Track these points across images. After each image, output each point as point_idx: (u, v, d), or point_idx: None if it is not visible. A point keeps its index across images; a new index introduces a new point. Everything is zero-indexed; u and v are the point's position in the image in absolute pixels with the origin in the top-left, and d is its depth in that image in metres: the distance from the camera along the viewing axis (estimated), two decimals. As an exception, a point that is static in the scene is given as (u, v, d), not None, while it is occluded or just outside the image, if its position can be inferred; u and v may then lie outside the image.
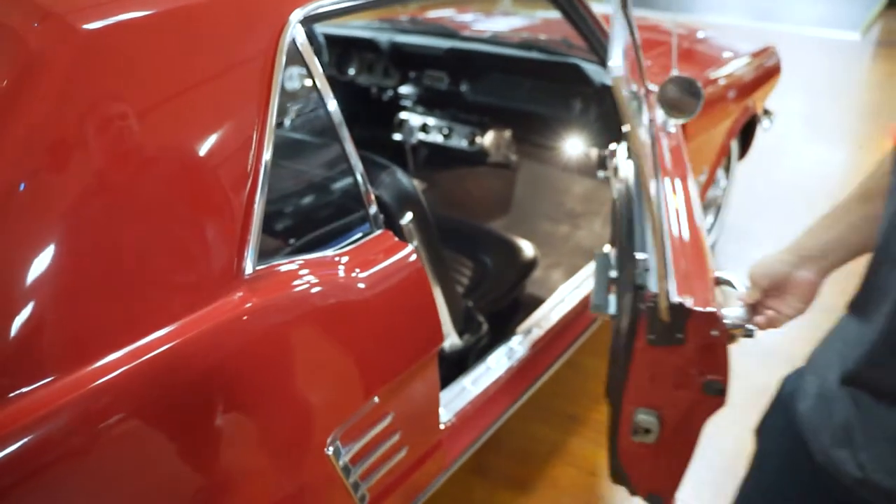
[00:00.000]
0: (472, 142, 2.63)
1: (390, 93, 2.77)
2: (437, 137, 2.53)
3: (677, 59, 2.68)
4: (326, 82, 1.29)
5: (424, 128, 2.63)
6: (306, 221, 1.39)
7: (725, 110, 2.67)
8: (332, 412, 1.22)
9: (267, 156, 1.13)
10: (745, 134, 3.24)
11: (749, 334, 1.21)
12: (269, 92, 1.15)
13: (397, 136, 2.58)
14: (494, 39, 2.68)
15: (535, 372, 1.99)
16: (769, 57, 3.20)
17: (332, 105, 1.29)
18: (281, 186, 1.30)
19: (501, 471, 2.16)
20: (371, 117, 2.80)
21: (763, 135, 3.34)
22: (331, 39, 2.80)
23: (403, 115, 2.73)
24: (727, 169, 3.28)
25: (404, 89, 2.75)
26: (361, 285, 1.23)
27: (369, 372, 1.27)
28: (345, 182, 1.32)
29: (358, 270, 1.24)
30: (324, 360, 1.18)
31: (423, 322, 1.36)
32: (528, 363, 1.93)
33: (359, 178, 1.32)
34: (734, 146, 3.19)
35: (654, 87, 2.30)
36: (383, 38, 2.69)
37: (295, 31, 1.22)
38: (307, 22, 1.24)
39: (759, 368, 2.54)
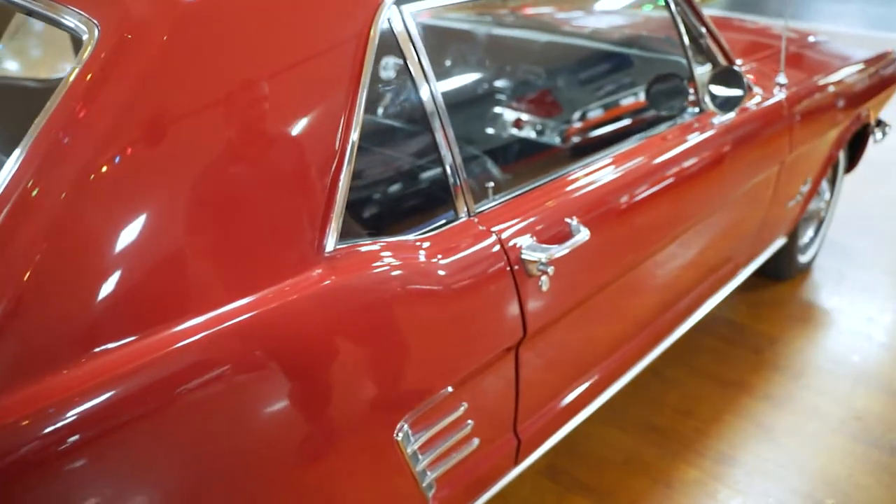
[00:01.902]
0: (565, 139, 2.59)
1: (486, 86, 2.76)
2: (530, 133, 2.50)
3: (785, 63, 2.58)
4: (425, 68, 1.28)
5: (518, 122, 2.60)
6: (391, 205, 1.39)
7: (833, 119, 2.53)
8: (403, 397, 1.21)
9: (354, 137, 1.13)
10: (855, 145, 3.08)
11: None
12: (359, 74, 1.15)
13: (490, 130, 2.57)
14: (594, 35, 2.63)
15: (615, 375, 1.94)
16: (887, 64, 3.02)
17: (426, 92, 1.28)
18: (370, 170, 1.30)
19: (573, 475, 2.11)
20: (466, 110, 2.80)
21: (874, 147, 3.16)
22: (428, 28, 2.80)
23: (498, 109, 2.71)
24: (832, 181, 3.11)
25: (499, 83, 2.73)
26: (442, 272, 1.21)
27: (444, 360, 1.25)
28: (433, 169, 1.31)
29: (440, 256, 1.23)
30: (398, 343, 1.17)
31: (503, 314, 1.34)
32: (609, 365, 1.87)
33: (447, 166, 1.30)
34: (841, 157, 3.03)
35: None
36: (481, 30, 2.68)
37: (390, 13, 1.22)
38: (402, 2, 1.24)
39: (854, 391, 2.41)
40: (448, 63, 2.78)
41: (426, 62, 1.27)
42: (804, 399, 2.40)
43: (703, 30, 1.98)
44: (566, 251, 1.36)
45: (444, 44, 2.80)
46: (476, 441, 1.41)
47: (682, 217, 1.81)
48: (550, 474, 2.11)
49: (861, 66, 2.82)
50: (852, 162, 3.16)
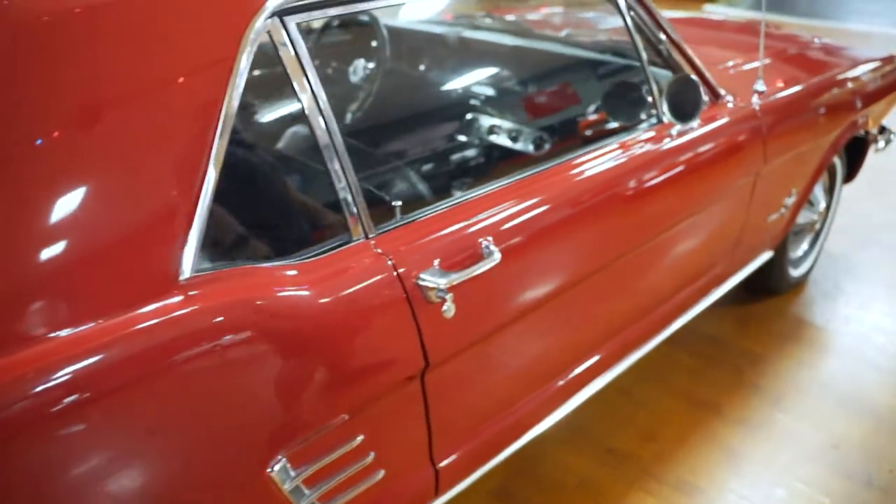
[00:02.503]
0: (539, 147, 2.49)
1: (459, 91, 2.67)
2: (504, 140, 2.41)
3: (779, 67, 2.45)
4: (311, 79, 1.20)
5: (492, 129, 2.50)
6: (273, 225, 1.31)
7: (822, 127, 2.39)
8: (275, 433, 1.13)
9: (217, 160, 1.07)
10: (854, 153, 2.93)
11: None
12: (223, 91, 1.08)
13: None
14: (568, 39, 2.53)
15: (565, 396, 1.85)
16: (891, 69, 2.86)
17: (311, 103, 1.20)
18: (247, 187, 1.23)
19: (524, 498, 2.03)
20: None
21: (877, 155, 3.01)
22: (398, 32, 2.73)
23: (470, 115, 2.62)
24: (830, 190, 2.97)
25: (474, 88, 2.64)
26: (321, 299, 1.14)
27: (324, 393, 1.17)
28: (324, 188, 1.23)
29: (320, 282, 1.15)
30: (262, 379, 1.09)
31: (397, 343, 1.26)
32: (555, 386, 1.78)
33: (338, 185, 1.22)
34: (838, 165, 2.88)
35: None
36: (452, 33, 2.59)
37: (268, 26, 1.14)
38: (285, 14, 1.16)
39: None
40: (422, 69, 2.70)
41: (312, 74, 1.19)
42: (781, 424, 2.27)
43: (662, 36, 1.87)
44: (470, 276, 1.28)
45: (419, 50, 2.72)
46: (381, 473, 1.34)
47: (629, 235, 1.71)
48: (501, 496, 2.02)
49: (861, 71, 2.67)
50: (852, 171, 3.00)
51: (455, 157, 2.09)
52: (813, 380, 2.47)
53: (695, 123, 1.85)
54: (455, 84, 2.53)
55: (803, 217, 2.78)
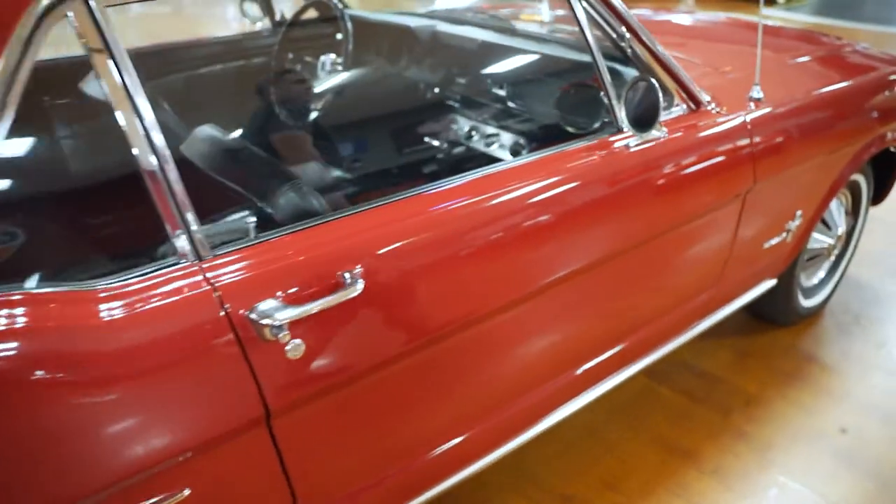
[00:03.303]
0: (516, 153, 2.25)
1: (436, 90, 2.44)
2: (478, 144, 2.18)
3: (794, 71, 2.17)
4: (122, 68, 0.99)
5: (470, 132, 2.27)
6: (75, 243, 1.11)
7: (834, 141, 2.09)
8: (58, 492, 0.94)
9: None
10: (886, 172, 2.60)
11: None
12: None
13: (434, 141, 2.24)
14: (549, 37, 2.27)
15: (503, 434, 1.61)
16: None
17: (123, 99, 1.00)
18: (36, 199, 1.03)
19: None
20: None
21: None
22: (371, 25, 2.51)
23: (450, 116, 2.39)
24: (854, 213, 2.64)
25: (449, 88, 2.41)
26: (117, 333, 0.94)
27: (119, 446, 0.97)
28: (139, 201, 1.02)
29: (119, 312, 0.95)
30: (34, 428, 0.90)
31: (221, 388, 1.04)
32: (480, 429, 1.55)
33: (158, 198, 1.02)
34: (863, 185, 2.56)
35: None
36: (426, 28, 2.36)
37: (73, 9, 0.95)
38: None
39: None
40: (402, 65, 2.47)
41: (124, 60, 0.99)
42: (766, 481, 1.99)
43: (626, 32, 1.61)
44: (319, 310, 1.06)
45: (399, 46, 2.50)
46: None
47: (558, 262, 1.45)
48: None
49: (891, 78, 2.36)
50: (882, 192, 2.67)
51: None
52: (811, 429, 2.17)
53: (658, 134, 1.59)
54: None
55: (816, 242, 2.47)
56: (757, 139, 1.81)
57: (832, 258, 2.66)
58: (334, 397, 1.18)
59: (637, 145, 1.56)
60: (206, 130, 1.43)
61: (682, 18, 3.14)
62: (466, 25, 2.32)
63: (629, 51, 1.63)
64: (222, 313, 1.01)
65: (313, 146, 1.86)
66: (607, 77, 1.56)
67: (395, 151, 2.01)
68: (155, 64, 2.24)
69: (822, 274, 2.66)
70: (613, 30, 1.60)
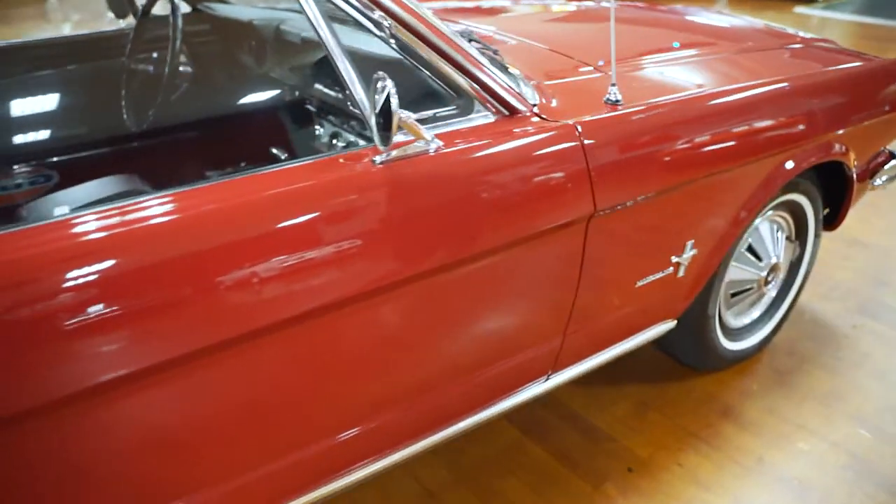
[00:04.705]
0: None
1: (296, 93, 2.10)
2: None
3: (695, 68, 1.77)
4: None
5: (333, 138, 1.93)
6: None
7: (739, 150, 1.67)
8: None
9: None
10: (838, 191, 2.15)
11: None
12: None
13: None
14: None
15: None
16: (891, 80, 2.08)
17: None
18: None
19: None
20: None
21: (875, 194, 2.23)
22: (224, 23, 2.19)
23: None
24: (800, 240, 2.20)
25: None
26: None
27: None
28: None
29: None
30: None
31: None
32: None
33: None
34: (807, 206, 2.11)
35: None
36: (272, 22, 2.02)
37: None
38: None
39: None
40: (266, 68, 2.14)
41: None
42: (624, 574, 1.60)
43: (384, 19, 1.24)
44: None
45: (263, 45, 2.17)
46: None
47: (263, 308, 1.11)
48: None
49: (834, 78, 1.92)
50: (837, 216, 2.22)
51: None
52: (704, 508, 1.77)
53: (423, 146, 1.22)
54: None
55: (740, 274, 2.04)
56: (598, 155, 1.42)
57: (769, 293, 2.22)
58: None
59: (385, 161, 1.19)
60: None
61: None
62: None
63: (393, 42, 1.27)
64: None
65: None
66: (349, 73, 1.20)
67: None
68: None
69: (757, 312, 2.23)
70: (364, 16, 1.24)
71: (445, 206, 1.24)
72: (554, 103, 1.48)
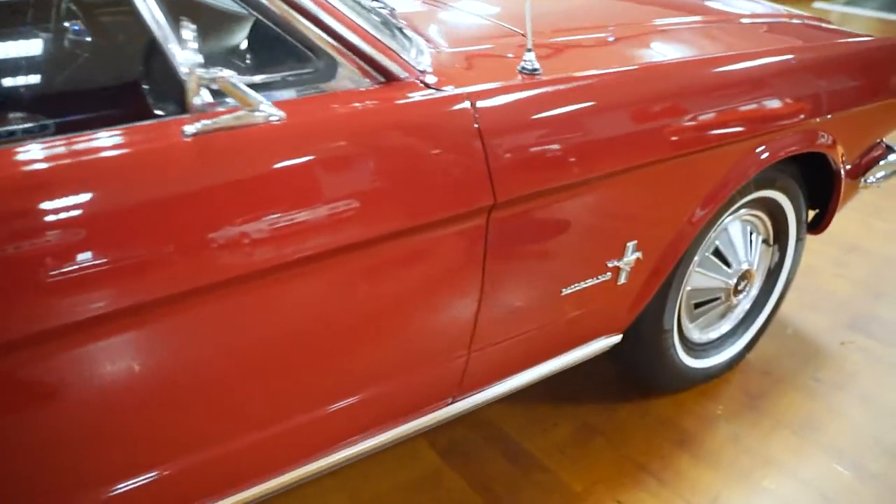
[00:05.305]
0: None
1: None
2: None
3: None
4: None
5: None
6: None
7: (692, 136, 1.39)
8: None
9: None
10: (824, 192, 1.86)
11: None
12: None
13: None
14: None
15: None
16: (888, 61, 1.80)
17: None
18: None
19: None
20: None
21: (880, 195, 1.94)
22: None
23: None
24: (780, 244, 1.91)
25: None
26: None
27: None
28: None
29: None
30: None
31: None
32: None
33: None
34: (786, 205, 1.83)
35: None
36: None
37: None
38: None
39: None
40: None
41: None
42: None
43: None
44: None
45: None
46: None
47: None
48: None
49: (832, 58, 1.65)
50: (825, 217, 1.93)
51: None
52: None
53: (252, 115, 0.96)
54: None
55: (703, 282, 1.76)
56: (499, 133, 1.15)
57: (741, 304, 1.93)
58: None
59: (199, 133, 0.93)
60: None
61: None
62: None
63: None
64: None
65: None
66: (158, 25, 0.94)
67: None
68: None
69: (727, 325, 1.94)
70: None
71: (279, 191, 0.98)
72: (457, 72, 1.22)
